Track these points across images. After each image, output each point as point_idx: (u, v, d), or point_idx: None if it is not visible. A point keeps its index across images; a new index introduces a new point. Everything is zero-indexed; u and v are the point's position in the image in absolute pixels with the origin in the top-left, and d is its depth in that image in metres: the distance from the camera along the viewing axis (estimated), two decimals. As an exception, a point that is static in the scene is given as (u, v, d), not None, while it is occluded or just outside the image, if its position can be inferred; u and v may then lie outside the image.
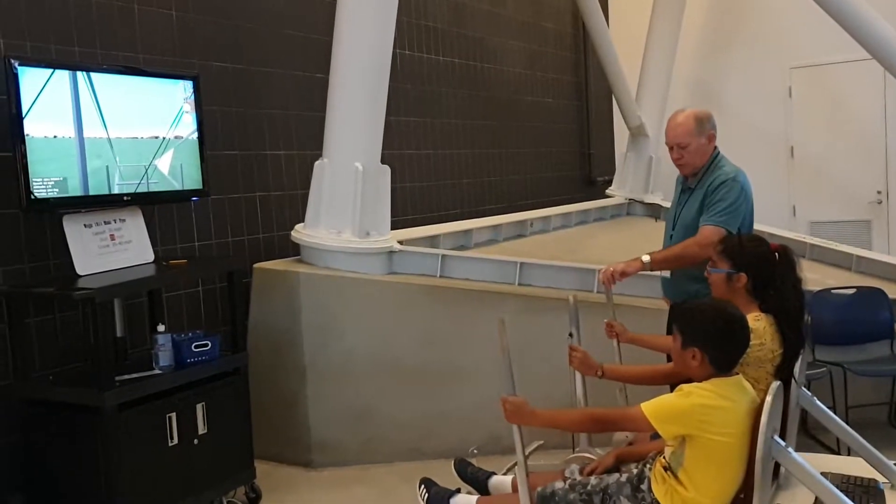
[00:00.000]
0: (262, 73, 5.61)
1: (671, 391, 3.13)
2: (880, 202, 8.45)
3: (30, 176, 3.77)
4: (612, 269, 3.90)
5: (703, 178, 3.94)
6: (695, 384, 2.71)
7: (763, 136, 8.83)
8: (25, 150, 3.75)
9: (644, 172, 8.72)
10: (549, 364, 4.25)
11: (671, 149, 4.03)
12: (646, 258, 3.84)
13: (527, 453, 3.61)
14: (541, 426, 2.94)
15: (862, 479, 3.09)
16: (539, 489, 2.97)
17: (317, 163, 5.24)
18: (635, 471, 2.94)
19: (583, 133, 9.72)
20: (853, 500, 2.80)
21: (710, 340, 2.72)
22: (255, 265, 5.25)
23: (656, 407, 2.69)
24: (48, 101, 3.85)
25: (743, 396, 2.70)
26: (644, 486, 2.86)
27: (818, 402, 3.28)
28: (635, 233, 7.64)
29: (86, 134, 4.02)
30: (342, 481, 4.89)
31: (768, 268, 3.12)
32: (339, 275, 5.11)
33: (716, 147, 4.01)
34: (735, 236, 3.29)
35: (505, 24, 8.33)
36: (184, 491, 4.11)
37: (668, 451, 2.79)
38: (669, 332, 3.77)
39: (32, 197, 3.79)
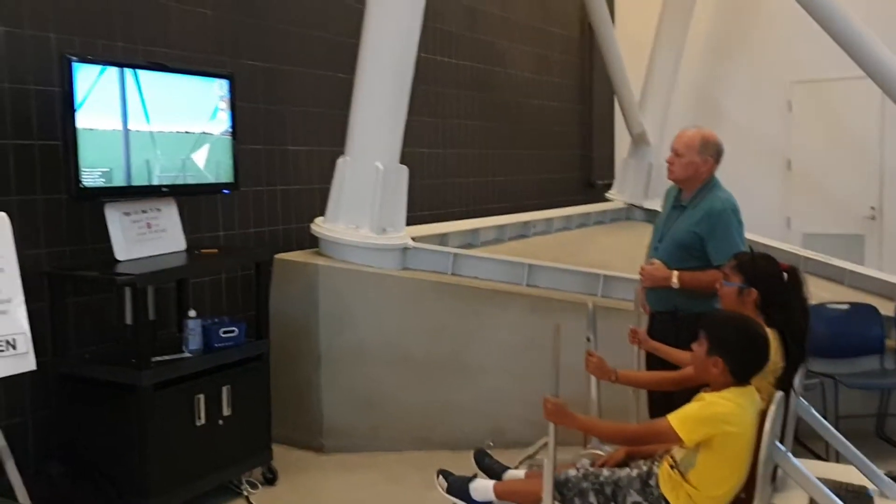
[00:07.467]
0: (289, 72, 5.83)
1: (676, 397, 3.37)
2: (873, 217, 8.67)
3: (80, 166, 3.98)
4: (646, 275, 4.12)
5: (698, 201, 4.08)
6: (715, 394, 2.94)
7: (762, 147, 9.05)
8: (77, 141, 3.97)
9: (644, 179, 8.92)
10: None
11: (671, 151, 4.21)
12: (675, 283, 3.97)
13: (539, 446, 3.88)
14: (576, 429, 3.16)
15: (853, 485, 3.33)
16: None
17: (339, 160, 5.45)
18: (644, 468, 3.18)
19: (585, 136, 9.95)
20: (846, 505, 3.05)
21: (735, 352, 2.95)
22: (276, 256, 5.45)
23: (682, 418, 2.92)
24: (99, 95, 4.07)
25: (752, 405, 2.95)
26: (652, 482, 3.10)
27: (815, 413, 3.53)
28: (634, 237, 7.83)
29: (131, 127, 4.24)
30: (352, 466, 5.11)
31: (778, 285, 3.36)
32: (355, 268, 5.32)
33: (714, 175, 4.15)
34: (749, 253, 3.52)
35: (515, 28, 8.54)
36: (208, 468, 4.34)
37: (678, 453, 3.02)
38: (655, 335, 4.00)
39: (81, 186, 4.01)
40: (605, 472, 3.23)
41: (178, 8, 5.00)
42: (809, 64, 8.74)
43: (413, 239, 5.60)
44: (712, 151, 4.11)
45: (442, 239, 6.12)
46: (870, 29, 6.58)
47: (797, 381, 3.33)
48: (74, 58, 3.97)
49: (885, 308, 5.65)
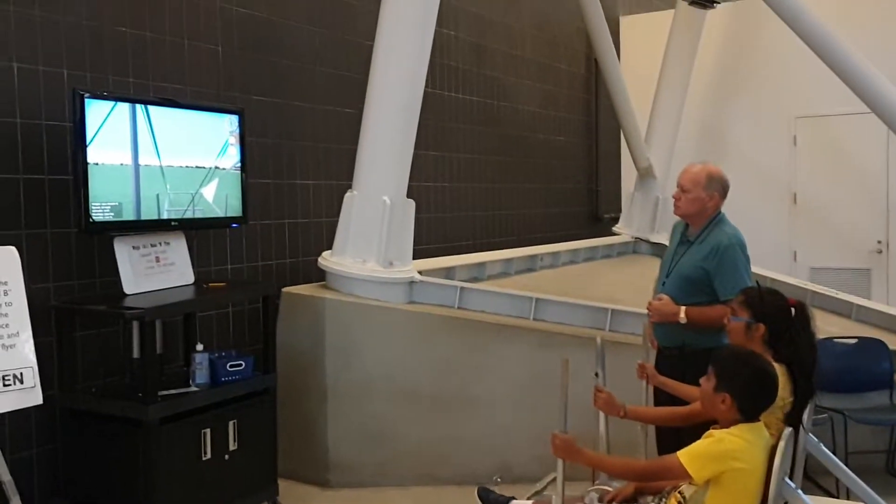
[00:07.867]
0: (298, 108, 5.88)
1: (684, 433, 3.36)
2: (880, 252, 8.64)
3: (90, 200, 4.02)
4: (653, 311, 4.12)
5: (705, 236, 4.10)
6: (724, 430, 2.93)
7: (767, 181, 9.07)
8: (88, 175, 4.00)
9: (650, 212, 8.94)
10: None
11: (677, 187, 4.23)
12: (683, 319, 3.98)
13: (547, 482, 3.86)
14: (584, 465, 3.15)
15: (863, 522, 3.32)
16: (562, 512, 3.19)
17: (347, 194, 5.48)
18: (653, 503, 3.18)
19: (591, 170, 9.99)
20: (855, 542, 3.03)
21: (744, 390, 2.94)
22: (284, 289, 5.46)
23: (692, 455, 2.90)
24: (110, 130, 4.11)
25: (761, 441, 2.94)
26: (660, 519, 3.09)
27: (825, 449, 3.51)
28: (641, 271, 7.83)
29: (141, 162, 4.28)
30: (358, 501, 5.08)
31: (785, 321, 3.35)
32: (362, 302, 5.33)
33: (720, 210, 4.17)
34: (756, 288, 3.52)
35: (521, 64, 8.62)
36: (213, 503, 4.31)
37: (687, 489, 3.00)
38: (663, 370, 4.00)
39: (91, 220, 4.04)
40: (614, 508, 3.22)
41: (188, 44, 5.06)
42: (813, 99, 8.78)
43: (420, 272, 5.61)
44: (718, 187, 4.13)
45: (448, 272, 6.13)
46: (872, 65, 6.63)
47: (806, 416, 3.32)
48: (86, 93, 4.02)
49: (893, 342, 5.62)
